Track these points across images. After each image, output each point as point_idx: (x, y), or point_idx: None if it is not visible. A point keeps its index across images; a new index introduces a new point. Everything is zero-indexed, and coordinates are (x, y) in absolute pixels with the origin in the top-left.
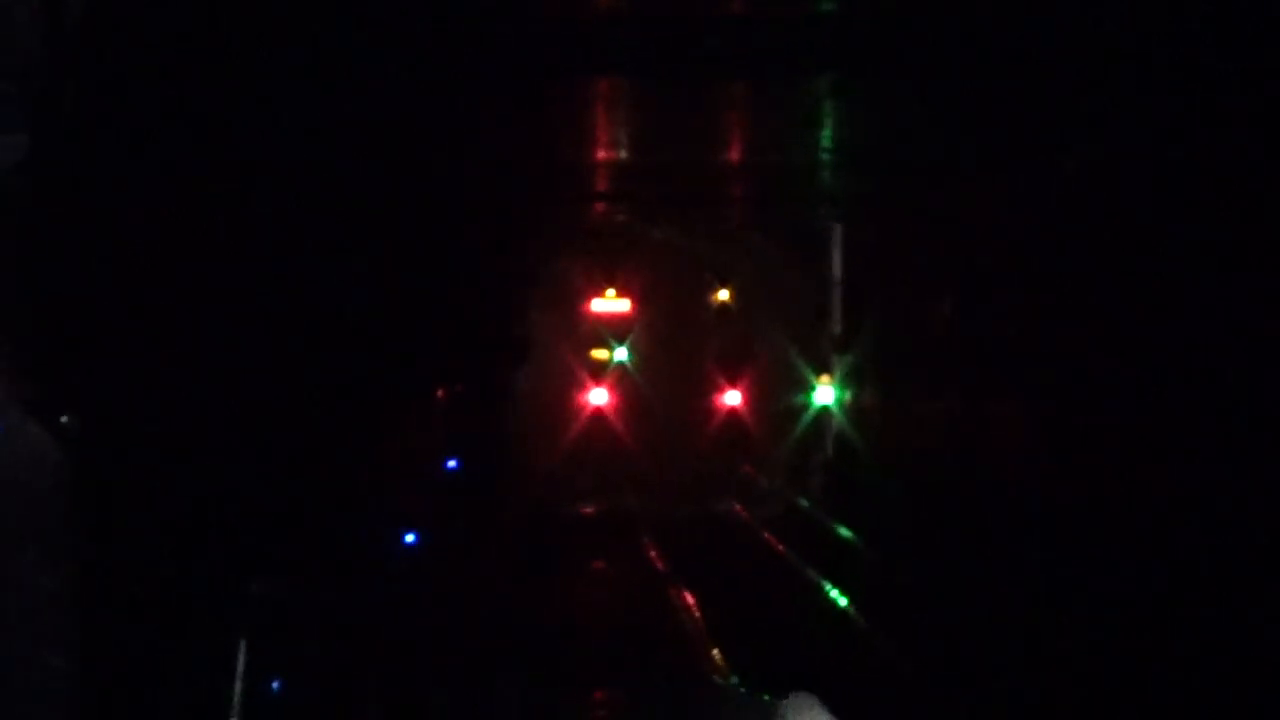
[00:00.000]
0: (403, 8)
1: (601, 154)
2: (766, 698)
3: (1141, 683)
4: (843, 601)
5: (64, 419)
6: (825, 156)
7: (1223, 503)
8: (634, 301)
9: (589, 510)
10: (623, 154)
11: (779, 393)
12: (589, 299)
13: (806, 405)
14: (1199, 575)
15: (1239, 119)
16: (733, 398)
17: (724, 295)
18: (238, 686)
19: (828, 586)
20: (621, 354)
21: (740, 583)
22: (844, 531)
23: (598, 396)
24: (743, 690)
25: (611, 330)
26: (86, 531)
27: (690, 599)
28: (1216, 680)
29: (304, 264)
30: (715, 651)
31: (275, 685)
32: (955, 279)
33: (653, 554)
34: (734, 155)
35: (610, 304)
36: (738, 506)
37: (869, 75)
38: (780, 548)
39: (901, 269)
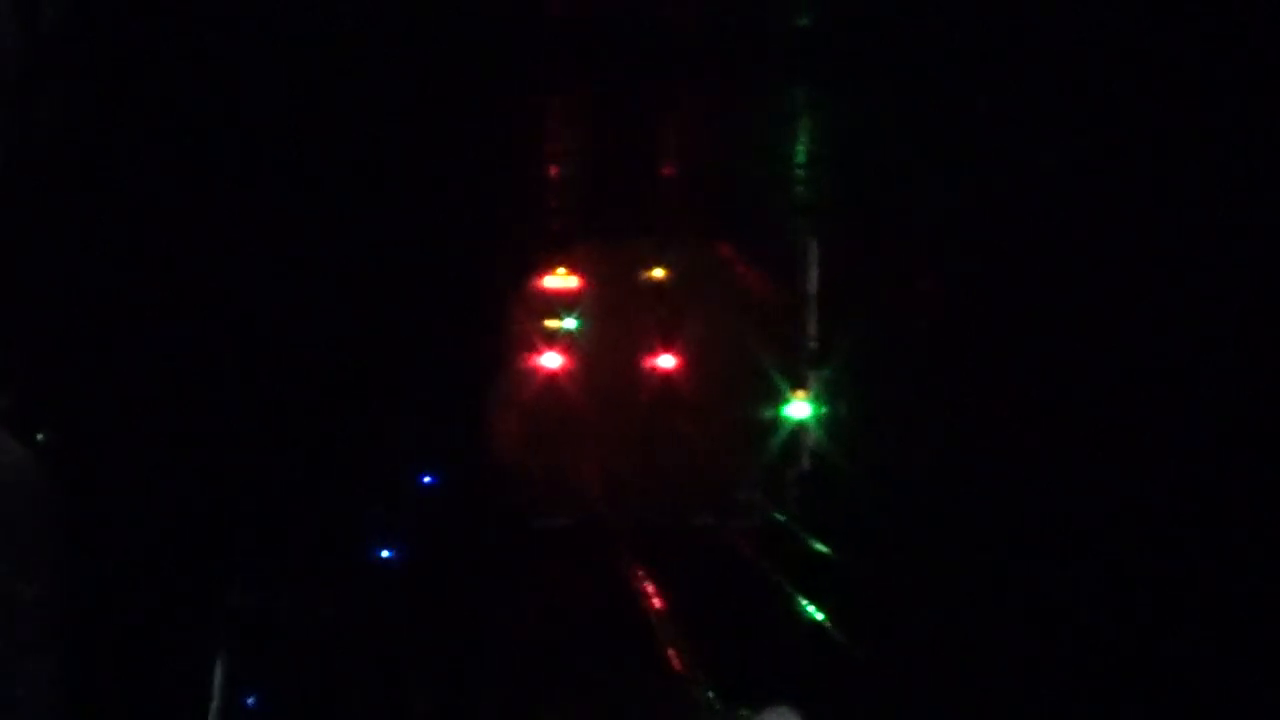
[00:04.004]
0: (380, 26)
1: (573, 170)
2: (745, 712)
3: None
4: (819, 615)
5: (40, 435)
6: (800, 171)
7: (1236, 515)
8: (582, 278)
9: (566, 521)
10: (594, 170)
11: (752, 406)
12: (542, 276)
13: (782, 420)
14: (1204, 600)
15: (1208, 120)
16: (667, 361)
17: (659, 273)
18: (215, 700)
19: (804, 600)
20: (571, 324)
21: (716, 591)
22: (821, 546)
23: (551, 360)
24: (720, 706)
25: (562, 303)
26: (64, 545)
27: (668, 610)
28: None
29: (282, 281)
30: (694, 665)
31: (251, 700)
32: (933, 293)
33: (631, 564)
34: (708, 170)
35: (561, 280)
36: (713, 519)
37: (845, 90)
38: (758, 560)
39: (878, 283)
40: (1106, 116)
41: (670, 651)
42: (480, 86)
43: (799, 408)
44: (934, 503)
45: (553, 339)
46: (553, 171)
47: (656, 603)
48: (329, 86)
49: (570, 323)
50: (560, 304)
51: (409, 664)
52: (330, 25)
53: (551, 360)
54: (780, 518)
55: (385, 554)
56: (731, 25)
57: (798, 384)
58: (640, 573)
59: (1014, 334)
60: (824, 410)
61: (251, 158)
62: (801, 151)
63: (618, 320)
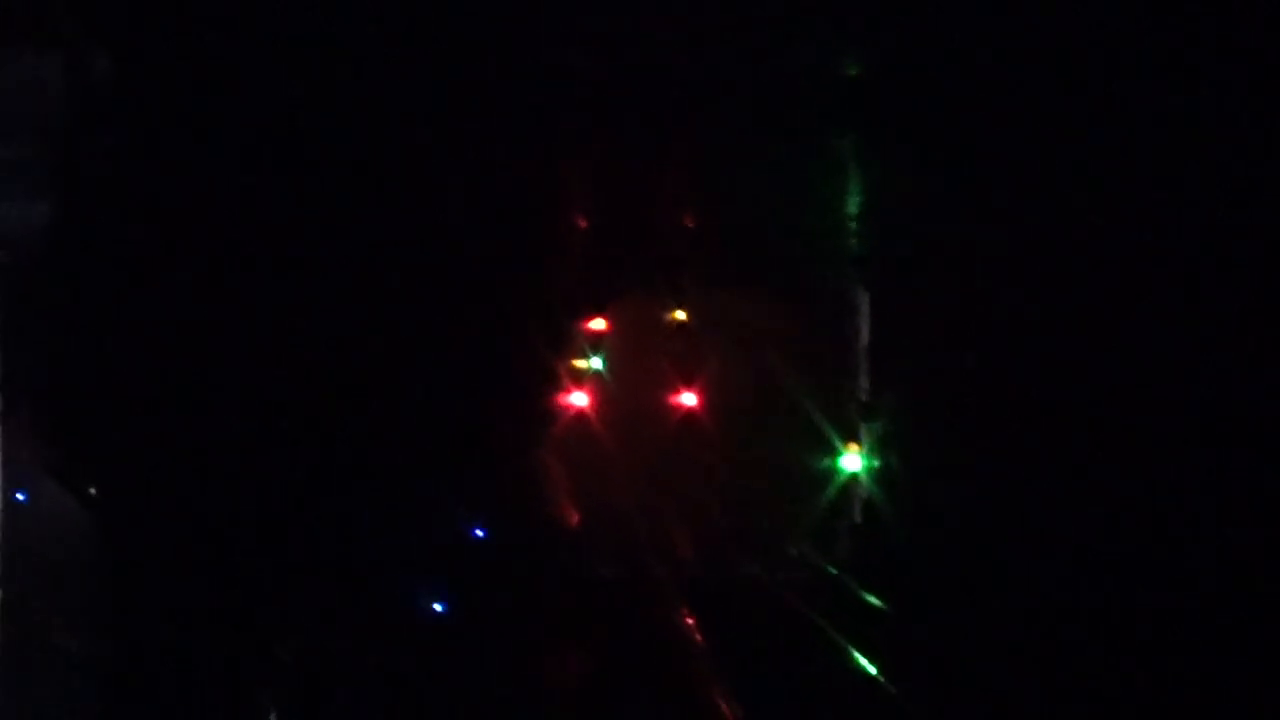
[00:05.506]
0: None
1: (620, 220)
2: None
3: None
4: (872, 670)
5: (91, 489)
6: (851, 222)
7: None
8: (608, 320)
9: (612, 572)
10: (632, 217)
11: (801, 456)
12: (582, 320)
13: (833, 471)
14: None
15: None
16: (689, 399)
17: (681, 315)
18: None
19: (855, 652)
20: (597, 363)
21: (767, 641)
22: (874, 600)
23: (578, 399)
24: None
25: (589, 343)
26: (112, 600)
27: (717, 661)
28: None
29: (332, 335)
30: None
31: None
32: (987, 341)
33: (679, 614)
34: (757, 219)
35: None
36: (762, 570)
37: (896, 140)
38: (810, 612)
39: (931, 333)
40: (1168, 165)
41: (721, 705)
42: (521, 133)
43: (851, 460)
44: (992, 556)
45: (581, 379)
46: (588, 221)
47: (706, 653)
48: (373, 144)
49: (597, 362)
50: (588, 344)
51: (459, 715)
52: (373, 88)
53: (581, 400)
54: (832, 570)
55: (437, 607)
56: (778, 74)
57: (849, 436)
58: (689, 622)
59: (1073, 383)
60: (876, 462)
61: (305, 212)
62: (852, 202)
63: (653, 364)
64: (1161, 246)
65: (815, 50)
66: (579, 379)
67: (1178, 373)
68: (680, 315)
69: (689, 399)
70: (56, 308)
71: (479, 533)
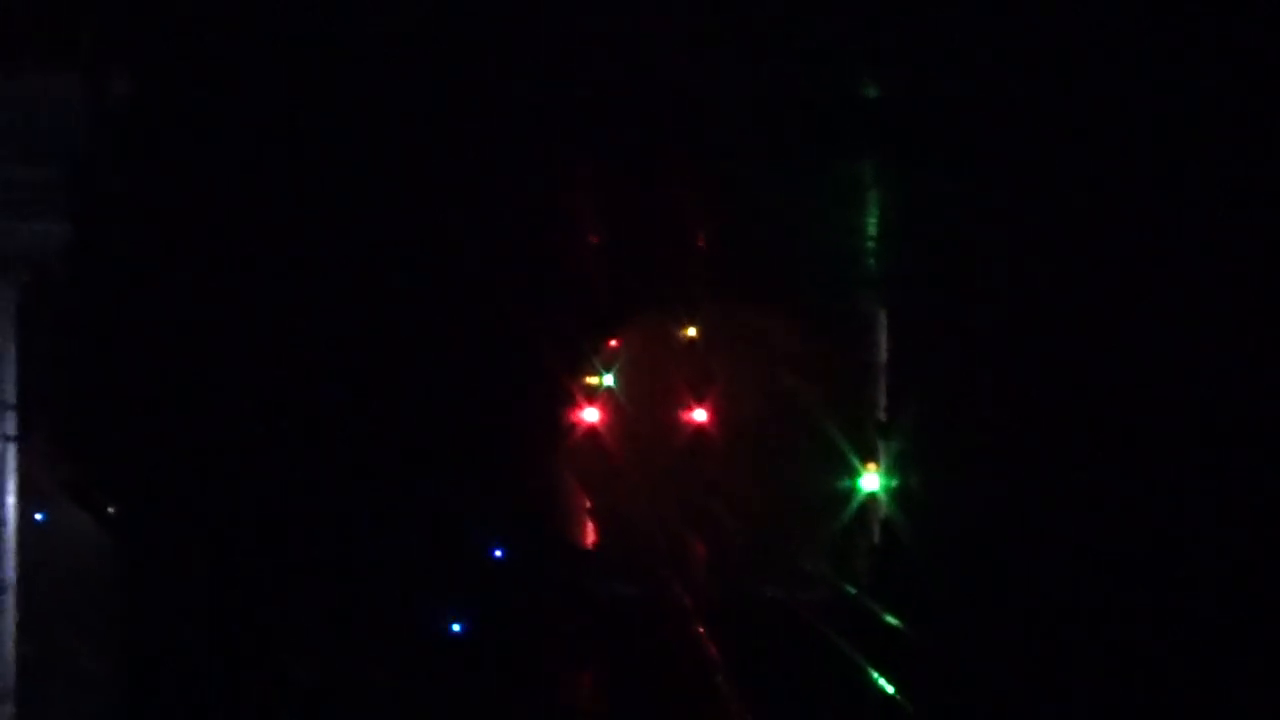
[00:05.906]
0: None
1: (633, 239)
2: None
3: None
4: (889, 689)
5: (109, 509)
6: (870, 243)
7: None
8: (618, 338)
9: (631, 590)
10: (654, 238)
11: (819, 477)
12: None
13: (851, 491)
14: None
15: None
16: (699, 415)
17: (691, 332)
18: None
19: (874, 672)
20: (609, 380)
21: (787, 662)
22: (893, 620)
23: (590, 414)
24: None
25: (601, 360)
26: (130, 616)
27: (739, 682)
28: None
29: (350, 362)
30: None
31: None
32: (1006, 360)
33: (700, 635)
34: (778, 239)
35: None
36: (781, 591)
37: (914, 160)
38: (829, 633)
39: (948, 353)
40: (1185, 188)
41: None
42: (549, 159)
43: (869, 479)
44: (1012, 575)
45: (593, 395)
46: (601, 239)
47: (729, 673)
48: (394, 169)
49: (609, 380)
50: (601, 362)
51: None
52: (395, 107)
53: (592, 415)
54: (850, 590)
55: (456, 628)
56: (794, 96)
57: (868, 456)
58: (711, 644)
59: (1091, 403)
60: (894, 482)
61: (329, 237)
62: (871, 223)
63: (664, 383)
64: (1167, 251)
65: (833, 72)
66: (592, 396)
67: (1204, 386)
68: (692, 332)
69: (701, 416)
70: (75, 328)
71: (497, 553)
